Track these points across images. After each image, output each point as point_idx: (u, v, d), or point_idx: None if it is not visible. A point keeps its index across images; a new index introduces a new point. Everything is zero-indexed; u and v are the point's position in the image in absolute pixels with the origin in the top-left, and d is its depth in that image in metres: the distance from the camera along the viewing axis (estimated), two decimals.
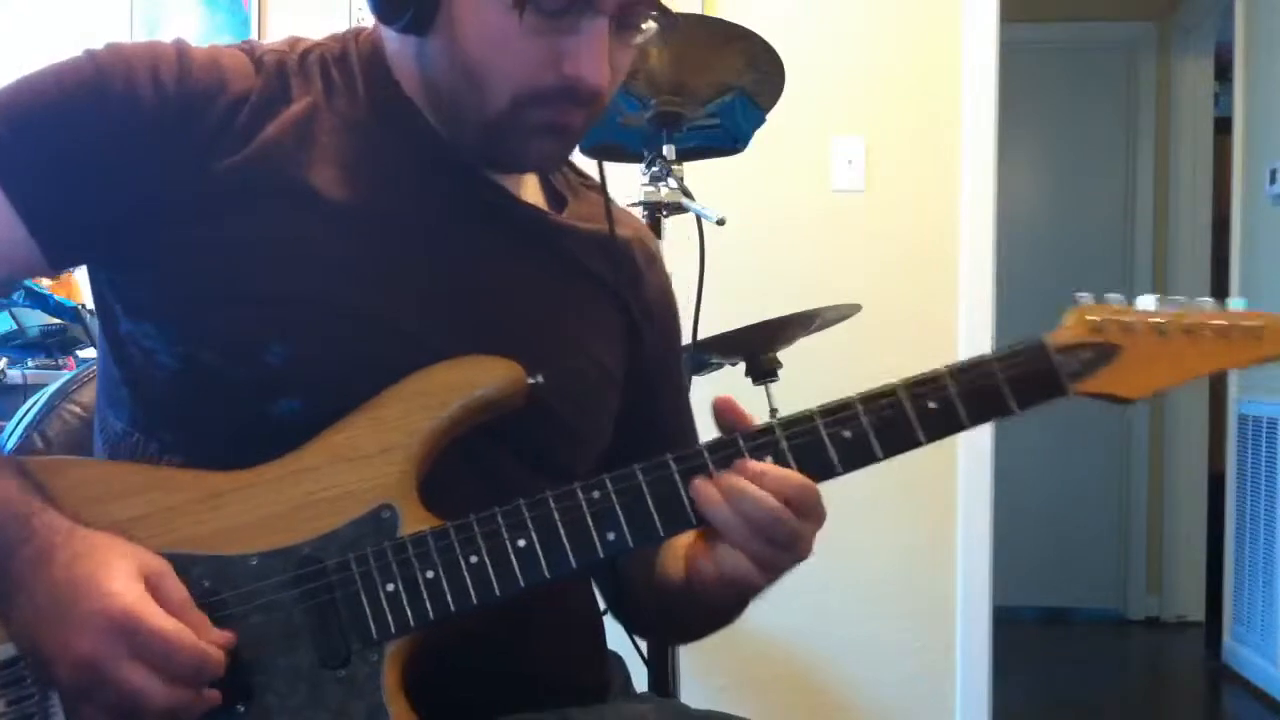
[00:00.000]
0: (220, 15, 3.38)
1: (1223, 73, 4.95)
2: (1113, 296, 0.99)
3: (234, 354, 0.96)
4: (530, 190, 1.12)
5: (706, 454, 0.95)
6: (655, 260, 1.22)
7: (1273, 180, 3.91)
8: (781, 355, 2.19)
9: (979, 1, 3.18)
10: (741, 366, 2.19)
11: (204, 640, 0.86)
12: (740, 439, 0.95)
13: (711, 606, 1.01)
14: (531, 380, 0.98)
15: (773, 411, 2.19)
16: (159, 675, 0.84)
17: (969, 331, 3.16)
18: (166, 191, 0.96)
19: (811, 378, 2.54)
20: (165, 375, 0.98)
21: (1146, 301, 0.98)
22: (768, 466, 0.93)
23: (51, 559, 0.87)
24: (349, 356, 0.97)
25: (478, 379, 0.97)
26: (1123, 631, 5.03)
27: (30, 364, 2.61)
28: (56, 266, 1.01)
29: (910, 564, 3.16)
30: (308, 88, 1.03)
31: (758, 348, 2.14)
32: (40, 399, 1.29)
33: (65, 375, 1.32)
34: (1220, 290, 4.66)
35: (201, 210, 0.97)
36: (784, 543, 0.93)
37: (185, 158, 0.97)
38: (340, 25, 4.00)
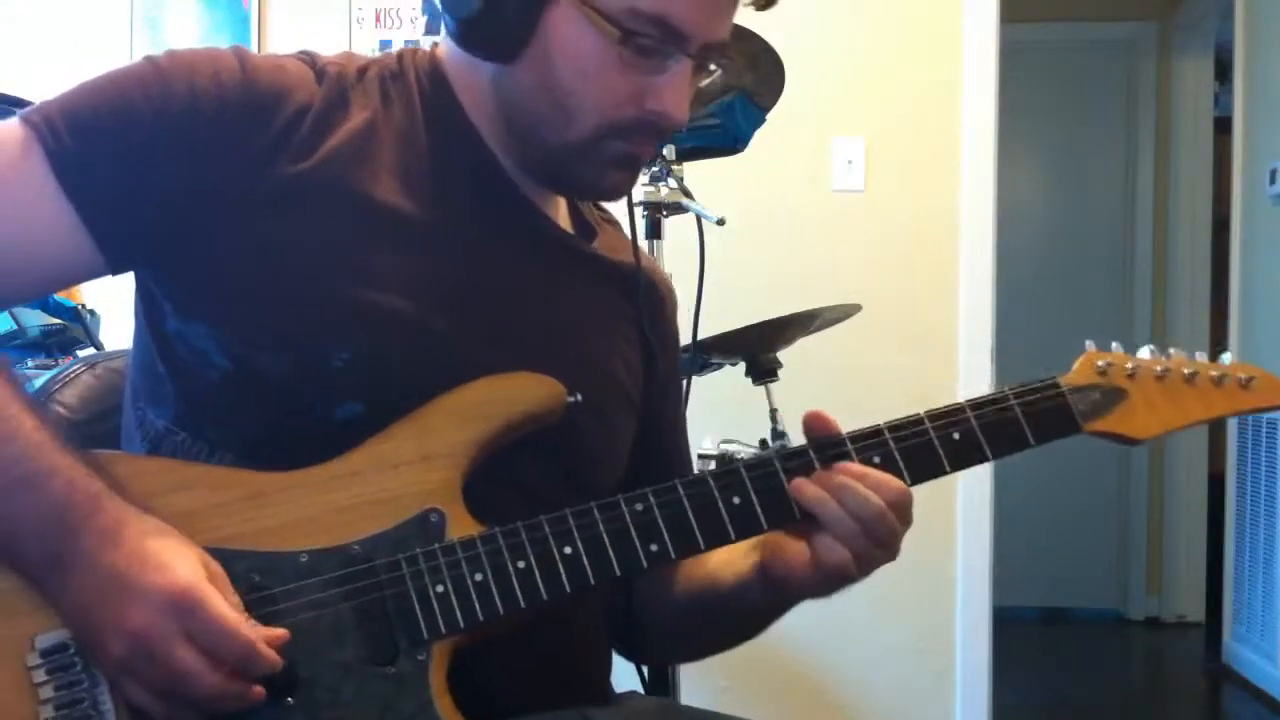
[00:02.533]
0: (220, 15, 3.38)
1: (1223, 73, 4.95)
2: (1115, 345, 1.08)
3: (296, 358, 0.97)
4: (563, 218, 1.16)
5: (813, 453, 1.00)
6: (672, 294, 1.27)
7: (1273, 180, 3.91)
8: (781, 355, 2.19)
9: (979, 1, 3.18)
10: (741, 366, 2.19)
11: (255, 634, 0.87)
12: (848, 441, 1.01)
13: (778, 604, 1.08)
14: (570, 399, 1.02)
15: (773, 412, 2.20)
16: (208, 659, 0.85)
17: (969, 331, 3.17)
18: (229, 193, 0.97)
19: (811, 378, 2.55)
20: (217, 375, 0.99)
21: (1145, 351, 1.07)
22: (870, 469, 0.99)
23: (121, 534, 0.89)
24: (407, 363, 0.99)
25: (520, 395, 1.01)
26: (1123, 631, 5.03)
27: (30, 364, 2.60)
28: (116, 269, 1.01)
29: (910, 564, 3.15)
30: (367, 102, 1.05)
31: (758, 348, 2.15)
32: None
33: (46, 375, 1.31)
34: (1220, 290, 4.66)
35: (264, 213, 0.98)
36: (883, 541, 0.99)
37: (248, 160, 0.98)
38: (340, 25, 3.99)
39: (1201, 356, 1.07)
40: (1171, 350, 1.07)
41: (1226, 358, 1.07)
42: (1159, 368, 1.05)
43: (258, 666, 0.87)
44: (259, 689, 0.88)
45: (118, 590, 0.87)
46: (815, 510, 0.98)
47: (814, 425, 1.01)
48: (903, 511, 0.99)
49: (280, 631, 0.89)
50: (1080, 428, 1.03)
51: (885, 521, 0.98)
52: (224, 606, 0.87)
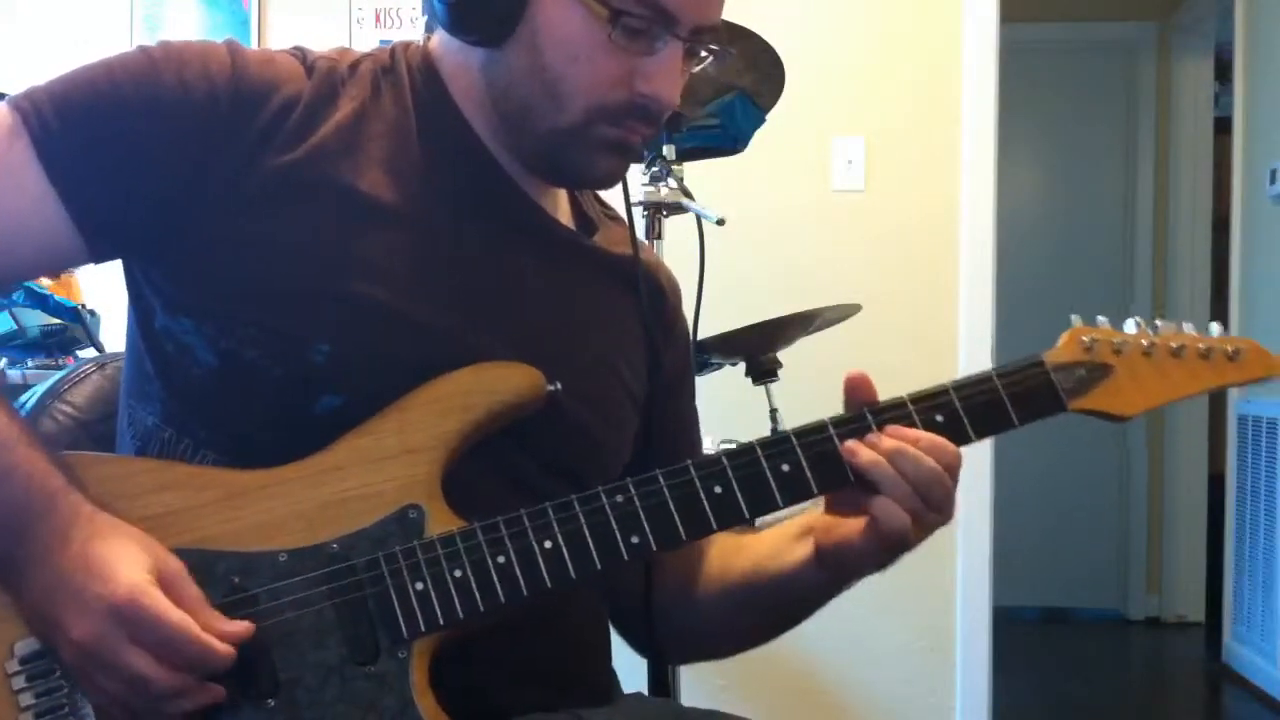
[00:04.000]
0: (220, 15, 3.38)
1: (1223, 73, 4.95)
2: (1101, 319, 1.04)
3: (279, 352, 0.97)
4: (563, 213, 1.15)
5: (794, 439, 0.99)
6: (676, 288, 1.26)
7: (1273, 180, 3.91)
8: (781, 355, 2.19)
9: (979, 1, 3.18)
10: (741, 366, 2.19)
11: (212, 632, 0.87)
12: (830, 426, 0.99)
13: (833, 585, 1.07)
14: (551, 387, 1.01)
15: (773, 412, 2.20)
16: (160, 661, 0.85)
17: (969, 331, 3.16)
18: (215, 186, 0.97)
19: (811, 378, 2.55)
20: (202, 371, 0.99)
21: (1131, 324, 1.04)
22: (922, 432, 0.98)
23: (69, 534, 0.88)
24: (391, 356, 0.99)
25: (500, 384, 0.99)
26: (1123, 631, 5.03)
27: (30, 364, 2.61)
28: (98, 258, 1.01)
29: (910, 564, 3.15)
30: (357, 94, 1.05)
31: (758, 348, 2.15)
32: (30, 399, 1.28)
33: (54, 375, 1.31)
34: (1220, 290, 4.66)
35: (250, 206, 0.98)
36: (938, 504, 0.98)
37: (235, 153, 0.98)
38: (340, 25, 3.99)
39: (1190, 328, 1.04)
40: (1159, 322, 1.04)
41: (1215, 329, 1.05)
42: (1145, 342, 1.02)
43: (211, 662, 0.87)
44: (217, 688, 0.88)
45: (64, 598, 0.87)
46: (869, 472, 0.97)
47: (855, 391, 1.01)
48: (955, 471, 0.99)
49: (241, 625, 0.89)
50: (1065, 406, 1.01)
51: (939, 484, 0.97)
52: (168, 609, 0.86)
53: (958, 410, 1.00)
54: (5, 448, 0.92)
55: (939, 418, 0.99)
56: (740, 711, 1.15)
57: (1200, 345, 1.03)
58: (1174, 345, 1.03)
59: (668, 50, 1.01)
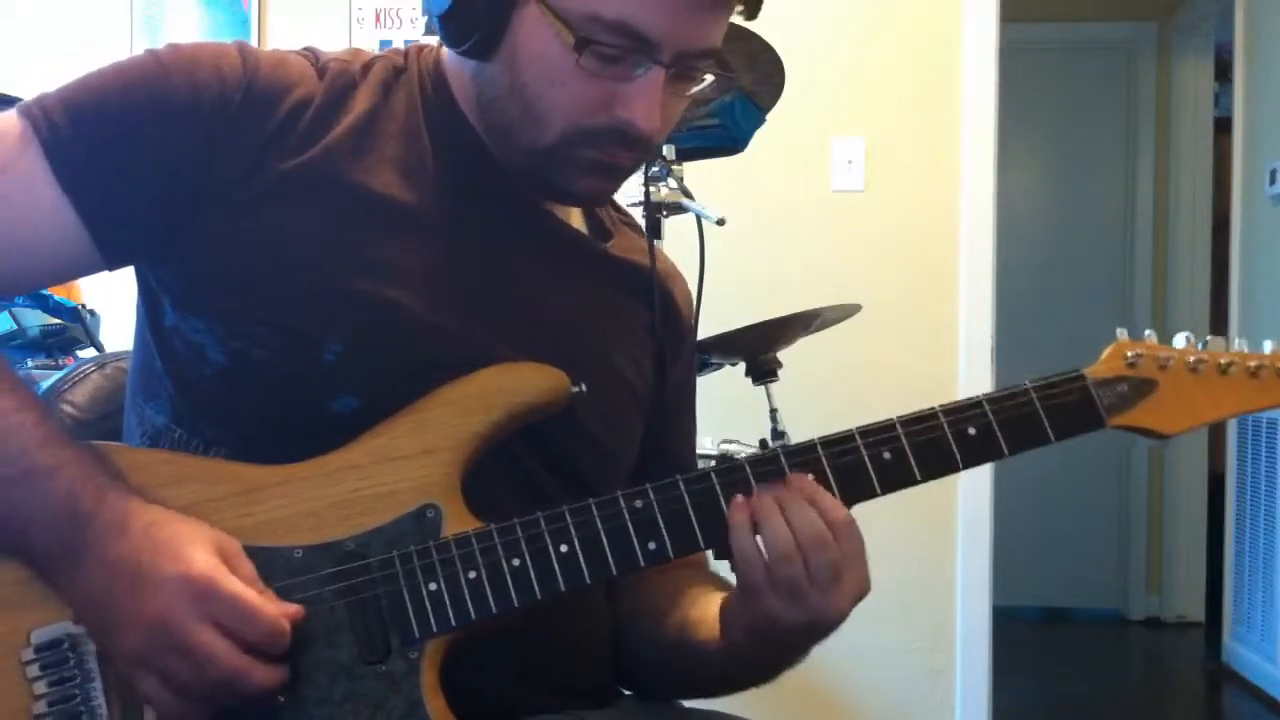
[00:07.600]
0: (220, 15, 3.38)
1: (1223, 73, 4.95)
2: (1149, 333, 1.01)
3: (289, 351, 0.97)
4: (575, 217, 1.14)
5: (820, 448, 0.96)
6: (690, 301, 1.25)
7: (1273, 180, 3.91)
8: (781, 355, 2.19)
9: (979, 1, 3.18)
10: (741, 366, 2.19)
11: (276, 612, 0.88)
12: (857, 435, 0.96)
13: (772, 655, 1.03)
14: (575, 389, 1.01)
15: (773, 412, 2.20)
16: (231, 640, 0.86)
17: (969, 331, 3.17)
18: (226, 188, 0.97)
19: (811, 378, 2.56)
20: (213, 370, 0.99)
21: (1180, 339, 1.01)
22: (801, 494, 0.94)
23: (127, 525, 0.89)
24: (402, 356, 0.99)
25: (523, 385, 0.99)
26: (1123, 631, 5.03)
27: (30, 364, 2.60)
28: (112, 264, 1.01)
29: (910, 564, 3.16)
30: (369, 96, 1.05)
31: (758, 348, 2.15)
32: None
33: (55, 375, 1.31)
34: (1220, 290, 4.66)
35: (260, 207, 0.98)
36: (821, 572, 0.94)
37: (246, 155, 0.98)
38: (340, 25, 3.99)
39: (1242, 345, 1.01)
40: (1209, 338, 1.01)
41: (1268, 346, 1.01)
42: (1192, 358, 0.99)
43: (279, 642, 0.88)
44: (282, 668, 0.88)
45: (131, 581, 0.87)
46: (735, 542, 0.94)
47: None
48: (848, 542, 0.95)
49: (294, 607, 0.90)
50: (1104, 422, 0.98)
51: (821, 550, 0.93)
52: (242, 587, 0.87)
53: (991, 423, 0.97)
54: (47, 445, 0.92)
55: (971, 430, 0.97)
56: (740, 712, 1.15)
57: (1250, 363, 0.99)
58: (1222, 362, 0.99)
59: (647, 76, 0.98)
